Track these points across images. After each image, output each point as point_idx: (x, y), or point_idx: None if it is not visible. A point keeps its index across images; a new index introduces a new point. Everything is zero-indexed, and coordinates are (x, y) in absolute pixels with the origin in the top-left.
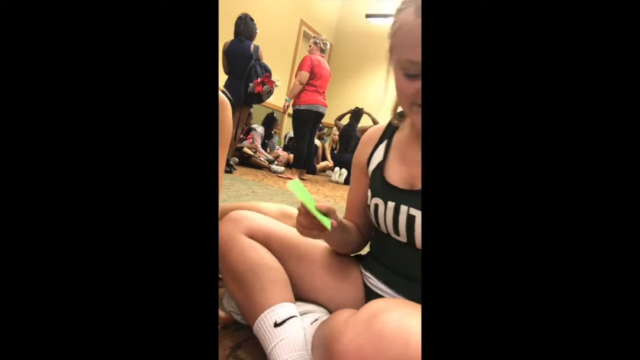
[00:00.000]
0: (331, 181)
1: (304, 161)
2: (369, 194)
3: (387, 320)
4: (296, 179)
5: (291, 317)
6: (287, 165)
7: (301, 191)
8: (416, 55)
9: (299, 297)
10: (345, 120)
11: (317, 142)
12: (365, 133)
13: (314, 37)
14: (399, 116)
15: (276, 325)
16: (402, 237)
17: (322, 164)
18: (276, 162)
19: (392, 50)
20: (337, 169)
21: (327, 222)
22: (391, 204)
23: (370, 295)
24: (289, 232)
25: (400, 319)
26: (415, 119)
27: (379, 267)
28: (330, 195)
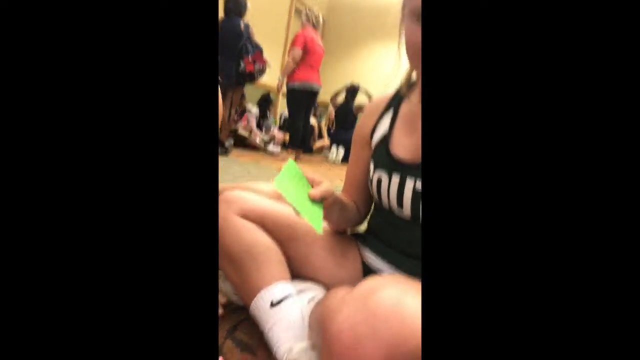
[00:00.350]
0: (328, 160)
1: (300, 141)
2: (372, 167)
3: (382, 298)
4: (285, 169)
5: (287, 297)
6: (284, 145)
7: (290, 189)
8: None
9: (297, 275)
10: (340, 98)
11: (312, 121)
12: (369, 104)
13: (307, 12)
14: (409, 86)
15: (272, 305)
16: (406, 213)
17: (319, 143)
18: (272, 143)
19: (405, 1)
20: (333, 147)
21: (317, 223)
22: (396, 178)
23: (368, 272)
24: (284, 211)
25: (396, 296)
26: None
27: (378, 244)
28: (328, 174)
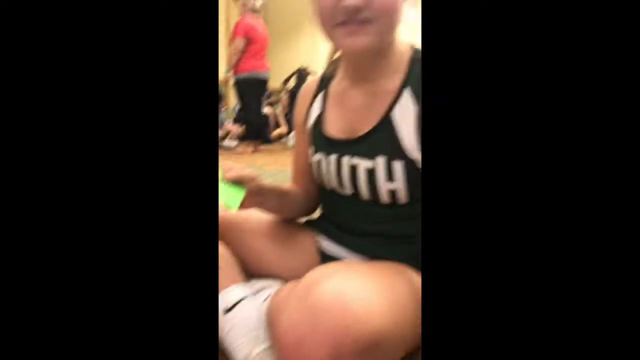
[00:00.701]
0: (289, 147)
1: (256, 132)
2: (311, 151)
3: (323, 291)
4: None
5: (241, 300)
6: (241, 139)
7: None
8: None
9: (253, 274)
10: (292, 83)
11: (267, 109)
12: (301, 89)
13: None
14: (330, 65)
15: (226, 311)
16: (348, 190)
17: (277, 131)
18: (228, 138)
19: None
20: (292, 134)
21: (232, 201)
22: (332, 157)
23: (325, 259)
24: (229, 211)
25: (337, 286)
26: (340, 42)
27: (331, 227)
28: (289, 163)
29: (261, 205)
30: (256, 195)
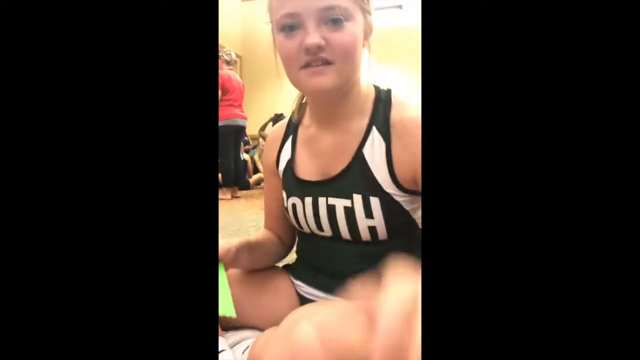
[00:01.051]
0: None
1: (233, 178)
2: (284, 195)
3: (302, 330)
4: None
5: (219, 353)
6: (219, 186)
7: None
8: (290, 6)
9: (230, 325)
10: (268, 129)
11: (245, 156)
12: (269, 134)
13: (219, 52)
14: (298, 111)
15: None
16: (327, 232)
17: (255, 177)
18: None
19: (270, 16)
20: None
21: (228, 307)
22: (308, 200)
23: (304, 304)
24: None
25: (318, 325)
26: (305, 84)
27: (309, 271)
28: None
29: (234, 265)
30: (234, 261)
